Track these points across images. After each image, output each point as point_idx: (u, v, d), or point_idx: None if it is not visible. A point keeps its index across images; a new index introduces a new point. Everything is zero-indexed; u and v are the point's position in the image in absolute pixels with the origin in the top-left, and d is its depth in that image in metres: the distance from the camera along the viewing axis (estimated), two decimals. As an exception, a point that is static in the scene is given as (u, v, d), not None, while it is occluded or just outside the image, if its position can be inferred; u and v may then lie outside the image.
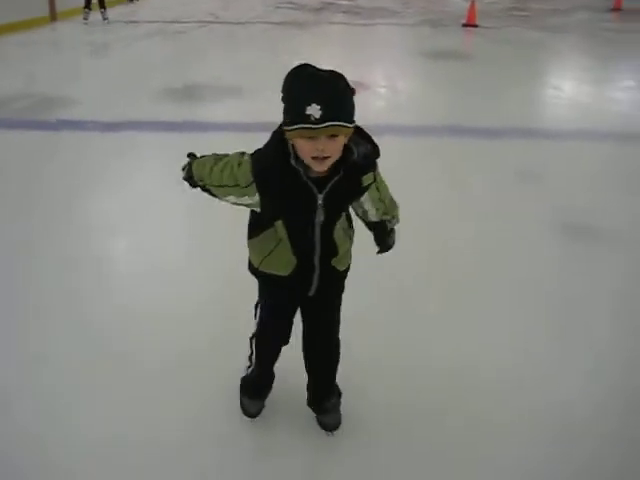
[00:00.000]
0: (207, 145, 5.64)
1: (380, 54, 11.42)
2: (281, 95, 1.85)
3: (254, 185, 1.98)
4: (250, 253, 2.27)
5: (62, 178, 5.05)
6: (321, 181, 1.94)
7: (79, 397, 2.69)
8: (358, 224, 2.26)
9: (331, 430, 2.57)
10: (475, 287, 3.53)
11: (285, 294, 2.30)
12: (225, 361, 2.79)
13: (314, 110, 1.75)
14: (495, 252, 3.94)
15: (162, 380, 2.77)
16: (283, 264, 2.17)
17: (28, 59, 10.07)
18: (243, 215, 2.23)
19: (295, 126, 1.80)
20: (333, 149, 1.84)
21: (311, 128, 1.77)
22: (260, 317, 2.41)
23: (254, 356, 2.51)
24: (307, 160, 1.87)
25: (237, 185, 2.02)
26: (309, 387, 2.57)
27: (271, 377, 2.60)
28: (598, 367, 2.92)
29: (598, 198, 4.81)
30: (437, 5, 19.06)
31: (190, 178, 2.21)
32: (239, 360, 2.58)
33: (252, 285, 2.33)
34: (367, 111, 6.85)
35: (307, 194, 1.96)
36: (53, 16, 13.92)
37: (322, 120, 1.75)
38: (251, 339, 2.48)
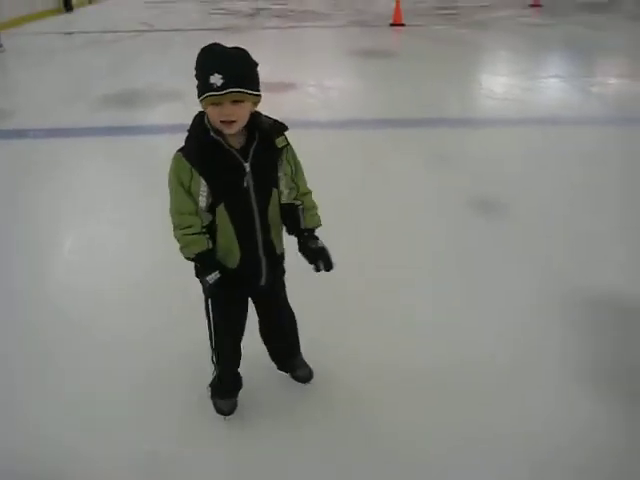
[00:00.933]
0: (150, 146, 6.15)
1: (310, 55, 11.92)
2: (194, 73, 2.11)
3: (193, 171, 2.16)
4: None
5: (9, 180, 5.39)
6: (243, 151, 2.19)
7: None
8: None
9: (306, 381, 2.83)
10: (402, 263, 3.93)
11: (236, 289, 2.37)
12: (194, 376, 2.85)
13: (216, 79, 2.01)
14: (417, 227, 4.42)
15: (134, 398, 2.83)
16: (229, 257, 2.29)
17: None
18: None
19: (203, 95, 2.07)
20: (238, 114, 2.11)
21: (214, 95, 2.04)
22: (213, 318, 2.46)
23: (215, 358, 2.57)
24: (218, 125, 2.12)
25: (188, 190, 2.18)
26: (274, 355, 2.79)
27: (238, 376, 2.69)
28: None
29: (503, 176, 5.39)
30: (365, 6, 19.64)
31: (200, 257, 2.25)
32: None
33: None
34: (296, 109, 7.46)
35: (234, 162, 2.18)
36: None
37: (223, 87, 2.02)
38: (210, 343, 2.51)
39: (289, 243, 2.46)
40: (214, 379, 2.67)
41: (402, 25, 14.67)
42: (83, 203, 4.99)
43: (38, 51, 12.23)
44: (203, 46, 2.11)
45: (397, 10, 14.90)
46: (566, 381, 2.87)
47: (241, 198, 2.22)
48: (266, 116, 2.26)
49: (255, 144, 2.19)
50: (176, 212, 2.22)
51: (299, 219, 2.36)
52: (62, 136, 6.74)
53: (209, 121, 2.15)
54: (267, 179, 2.28)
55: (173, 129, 6.65)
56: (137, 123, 7.22)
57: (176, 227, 2.23)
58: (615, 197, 4.95)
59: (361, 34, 14.17)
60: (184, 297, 3.02)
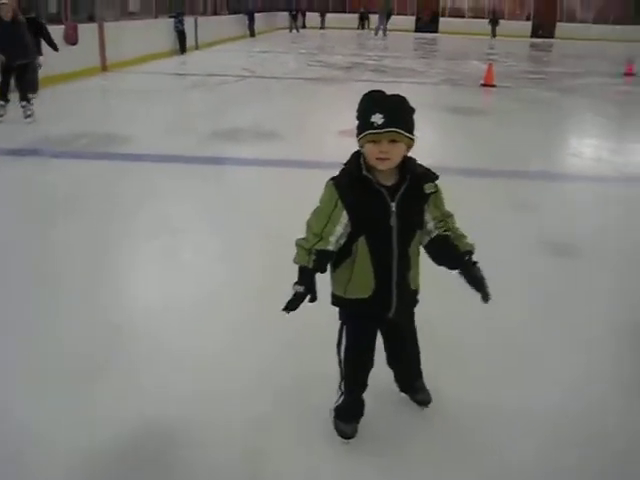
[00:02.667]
0: (248, 176, 6.78)
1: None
2: (356, 114, 2.29)
3: (339, 202, 2.31)
4: (333, 285, 2.52)
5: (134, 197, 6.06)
6: (392, 189, 2.31)
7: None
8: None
9: (426, 404, 2.92)
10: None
11: (367, 319, 2.53)
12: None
13: (377, 118, 2.17)
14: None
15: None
16: (364, 286, 2.41)
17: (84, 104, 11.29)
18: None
19: (363, 133, 2.23)
20: (393, 152, 2.24)
21: (374, 133, 2.19)
22: (346, 346, 2.58)
23: (343, 384, 2.68)
24: (373, 162, 2.25)
25: (328, 215, 2.33)
26: (397, 378, 2.89)
27: (362, 402, 2.76)
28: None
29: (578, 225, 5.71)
30: (458, 67, 20.21)
31: (300, 271, 2.38)
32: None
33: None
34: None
35: (381, 200, 2.30)
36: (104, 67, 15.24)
37: (384, 126, 2.17)
38: (340, 367, 2.64)
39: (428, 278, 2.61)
40: (339, 403, 2.75)
41: (493, 86, 15.10)
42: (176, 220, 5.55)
43: (154, 89, 13.28)
44: (366, 92, 2.31)
45: (489, 71, 15.36)
46: None
47: (384, 235, 2.33)
48: (419, 164, 2.38)
49: (404, 186, 2.31)
50: (307, 224, 2.40)
51: (454, 245, 2.44)
52: (173, 162, 7.43)
53: (364, 160, 2.29)
54: (412, 221, 2.38)
55: (269, 163, 7.46)
56: (239, 155, 7.85)
57: (301, 238, 2.40)
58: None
59: (452, 92, 14.67)
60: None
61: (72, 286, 4.21)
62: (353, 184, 2.29)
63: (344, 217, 2.31)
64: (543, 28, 40.01)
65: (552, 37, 39.90)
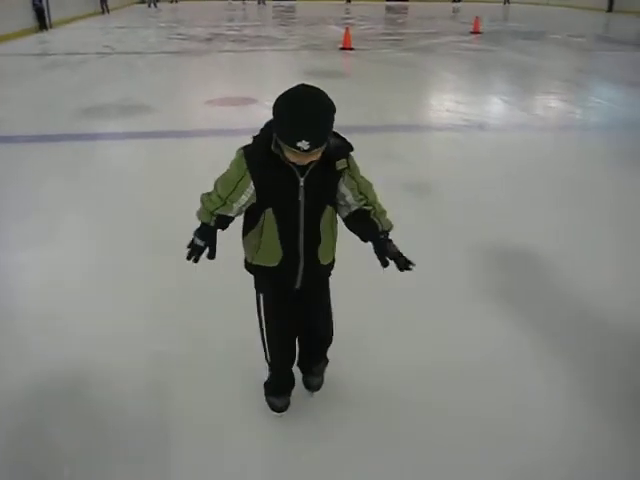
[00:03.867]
0: (123, 152, 6.95)
1: (266, 75, 12.83)
2: (273, 115, 2.12)
3: (247, 172, 2.26)
4: (244, 251, 2.51)
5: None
6: (301, 167, 2.22)
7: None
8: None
9: (314, 390, 2.90)
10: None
11: (275, 285, 2.51)
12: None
13: (303, 144, 2.06)
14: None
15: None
16: (272, 255, 2.40)
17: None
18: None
19: (287, 146, 2.11)
20: (313, 158, 2.18)
21: (298, 153, 2.11)
22: (264, 316, 2.58)
23: (269, 355, 2.68)
24: (291, 160, 2.18)
25: (235, 183, 2.29)
26: (300, 353, 2.78)
27: (291, 374, 2.79)
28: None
29: (434, 166, 6.36)
30: (317, 32, 20.73)
31: (202, 226, 2.39)
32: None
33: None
34: (258, 119, 8.21)
35: (290, 176, 2.24)
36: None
37: (309, 150, 2.09)
38: (262, 340, 2.63)
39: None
40: (267, 379, 2.82)
41: (351, 49, 15.72)
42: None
43: (14, 70, 12.91)
44: (282, 95, 2.13)
45: (347, 35, 15.97)
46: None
47: (291, 209, 2.31)
48: (335, 134, 2.29)
49: (314, 164, 2.24)
50: (215, 183, 2.38)
51: (375, 223, 2.38)
52: (44, 141, 7.47)
53: (275, 139, 2.20)
54: (321, 196, 2.34)
55: (144, 135, 7.64)
56: (112, 130, 7.96)
57: (207, 195, 2.38)
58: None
59: (313, 56, 15.14)
60: (235, 298, 3.18)
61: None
62: (263, 157, 2.24)
63: (250, 187, 2.29)
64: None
65: (406, 0, 41.34)
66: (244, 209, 2.37)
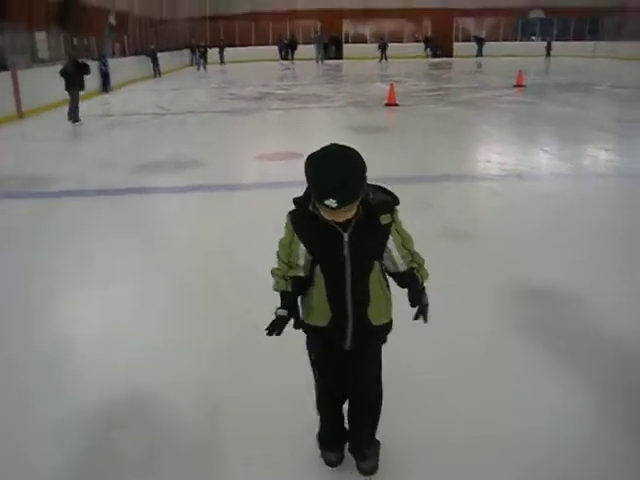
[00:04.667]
0: (179, 202, 7.45)
1: (313, 130, 13.36)
2: (305, 173, 2.21)
3: (295, 235, 2.39)
4: (301, 311, 2.53)
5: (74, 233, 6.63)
6: (344, 222, 2.29)
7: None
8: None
9: (368, 474, 2.76)
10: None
11: (325, 346, 2.56)
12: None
13: (331, 202, 2.13)
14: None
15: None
16: (321, 314, 2.44)
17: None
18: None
19: (318, 204, 2.21)
20: (347, 215, 2.26)
21: (329, 211, 2.20)
22: (313, 372, 2.66)
23: (317, 411, 2.77)
24: (328, 218, 2.26)
25: (289, 246, 2.42)
26: (350, 432, 2.77)
27: (339, 431, 2.80)
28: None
29: (471, 216, 6.64)
30: (362, 90, 21.39)
31: (282, 296, 2.46)
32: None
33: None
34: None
35: (333, 233, 2.30)
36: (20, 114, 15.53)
37: (338, 207, 2.16)
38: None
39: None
40: (318, 429, 2.84)
41: (396, 105, 16.22)
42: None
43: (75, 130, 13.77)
44: (312, 154, 2.23)
45: (391, 92, 16.50)
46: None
47: (337, 265, 2.35)
48: (379, 188, 2.40)
49: (357, 218, 2.30)
50: (277, 254, 2.49)
51: (417, 278, 2.47)
52: (107, 195, 8.05)
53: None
54: (367, 252, 2.38)
55: (196, 188, 8.13)
56: (167, 185, 8.51)
57: (275, 267, 2.50)
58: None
59: (358, 113, 15.63)
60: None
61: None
62: (305, 217, 2.33)
63: (301, 248, 2.40)
64: (441, 48, 42.28)
65: (450, 56, 42.16)
66: (308, 269, 2.45)
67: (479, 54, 40.62)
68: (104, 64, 21.57)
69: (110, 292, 4.92)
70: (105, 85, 21.92)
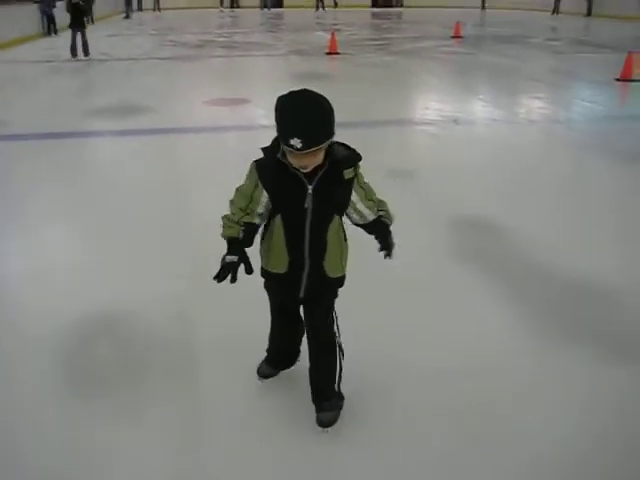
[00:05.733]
0: (121, 147, 7.69)
1: (257, 77, 13.54)
2: (275, 117, 2.26)
3: (259, 183, 2.41)
4: (260, 259, 2.59)
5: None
6: (309, 174, 2.34)
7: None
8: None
9: (325, 426, 2.78)
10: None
11: (281, 293, 2.69)
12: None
13: (296, 142, 2.16)
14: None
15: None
16: (280, 261, 2.50)
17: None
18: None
19: (284, 146, 2.24)
20: (313, 162, 2.29)
21: (294, 153, 2.22)
22: (270, 310, 2.84)
23: (269, 340, 3.02)
24: (295, 166, 2.30)
25: (249, 195, 2.44)
26: (310, 382, 2.83)
27: (282, 356, 3.04)
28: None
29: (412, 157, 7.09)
30: (304, 38, 21.47)
31: (230, 242, 2.45)
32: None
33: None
34: (251, 118, 9.00)
35: (298, 183, 2.35)
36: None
37: (303, 149, 2.18)
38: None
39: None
40: (267, 352, 3.07)
41: (337, 54, 16.44)
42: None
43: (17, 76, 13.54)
44: (282, 96, 2.28)
45: (332, 40, 16.70)
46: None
47: (298, 216, 2.40)
48: (342, 145, 2.45)
49: (322, 172, 2.36)
50: (231, 201, 2.52)
51: (387, 225, 2.59)
52: (55, 138, 8.18)
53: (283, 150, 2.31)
54: (329, 205, 2.44)
55: (146, 132, 8.31)
56: (116, 128, 8.67)
57: (226, 215, 2.51)
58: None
59: (300, 61, 15.85)
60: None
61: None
62: (272, 167, 2.36)
63: (264, 196, 2.42)
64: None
65: (390, 6, 42.17)
66: (265, 217, 2.50)
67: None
68: (50, 6, 21.21)
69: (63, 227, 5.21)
70: (49, 28, 21.61)
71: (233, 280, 2.40)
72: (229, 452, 2.72)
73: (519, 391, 3.12)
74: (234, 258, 2.40)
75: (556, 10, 33.04)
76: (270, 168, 2.38)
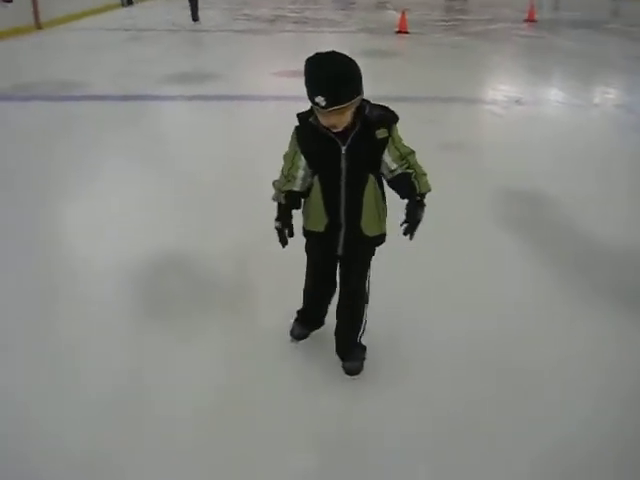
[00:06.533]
0: (198, 108, 8.13)
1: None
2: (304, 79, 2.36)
3: (297, 147, 2.55)
4: (302, 220, 2.72)
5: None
6: (343, 135, 2.42)
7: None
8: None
9: (351, 374, 2.91)
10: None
11: (320, 250, 2.78)
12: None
13: (320, 100, 2.27)
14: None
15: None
16: (318, 221, 2.60)
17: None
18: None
19: (313, 106, 2.37)
20: (341, 121, 2.37)
21: (320, 111, 2.34)
22: (306, 271, 2.93)
23: (304, 296, 3.06)
24: (325, 125, 2.40)
25: (291, 160, 2.57)
26: (335, 334, 2.95)
27: (316, 317, 3.10)
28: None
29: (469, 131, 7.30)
30: (374, 16, 21.56)
31: (278, 208, 2.62)
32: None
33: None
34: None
35: (332, 144, 2.44)
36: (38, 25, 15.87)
37: (327, 106, 2.28)
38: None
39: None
40: (300, 307, 3.13)
41: (407, 33, 16.51)
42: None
43: (95, 43, 14.12)
44: (310, 57, 2.37)
45: (403, 19, 16.76)
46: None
47: (334, 176, 2.49)
48: (378, 105, 2.51)
49: (354, 132, 2.43)
50: (282, 170, 2.65)
51: (414, 185, 2.51)
52: (136, 100, 8.70)
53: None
54: (362, 164, 2.50)
55: (217, 98, 8.71)
56: (192, 93, 9.14)
57: (276, 179, 2.67)
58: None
59: (369, 38, 15.97)
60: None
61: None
62: (307, 130, 2.48)
63: (302, 161, 2.54)
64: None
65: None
66: (308, 181, 2.59)
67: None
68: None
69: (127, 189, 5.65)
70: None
71: (284, 244, 2.61)
72: (266, 380, 2.98)
73: (554, 357, 3.22)
74: (278, 224, 2.59)
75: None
76: (306, 131, 2.50)
